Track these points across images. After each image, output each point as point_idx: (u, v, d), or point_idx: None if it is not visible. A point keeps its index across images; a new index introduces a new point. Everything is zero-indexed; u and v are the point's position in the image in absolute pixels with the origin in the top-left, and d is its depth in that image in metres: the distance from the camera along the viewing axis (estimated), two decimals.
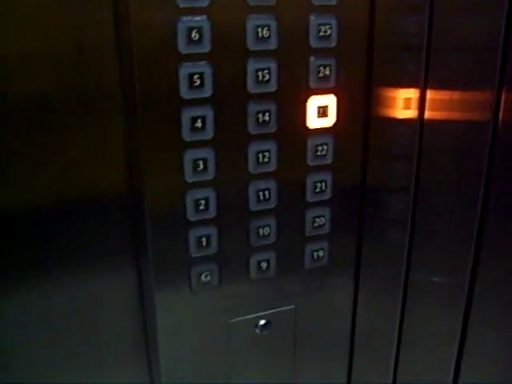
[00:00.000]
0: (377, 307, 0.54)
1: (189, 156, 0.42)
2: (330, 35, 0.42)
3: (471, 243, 0.51)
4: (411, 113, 0.46)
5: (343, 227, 0.49)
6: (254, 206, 0.45)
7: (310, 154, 0.45)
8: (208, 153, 0.42)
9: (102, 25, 0.38)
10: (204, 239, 0.44)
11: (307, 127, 0.44)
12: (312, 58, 0.42)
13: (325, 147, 0.45)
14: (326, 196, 0.47)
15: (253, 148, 0.43)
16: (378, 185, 0.49)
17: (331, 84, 0.43)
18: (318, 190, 0.46)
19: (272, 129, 0.43)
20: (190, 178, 0.42)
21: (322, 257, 0.49)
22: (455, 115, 0.47)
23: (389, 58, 0.45)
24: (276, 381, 0.53)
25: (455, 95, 0.46)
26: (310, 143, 0.45)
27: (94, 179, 0.42)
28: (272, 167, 0.44)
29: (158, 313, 0.46)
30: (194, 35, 0.38)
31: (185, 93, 0.40)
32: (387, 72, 0.45)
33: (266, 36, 0.40)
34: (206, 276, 0.46)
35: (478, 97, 0.46)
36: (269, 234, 0.46)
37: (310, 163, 0.45)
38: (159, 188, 0.42)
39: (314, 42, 0.42)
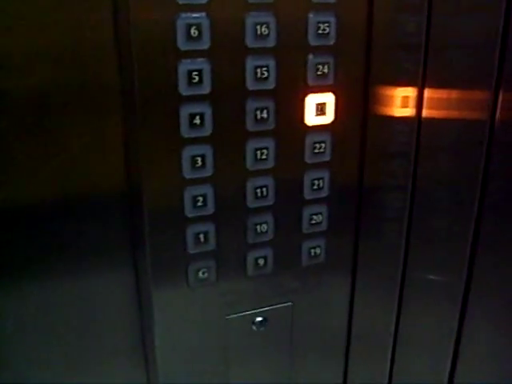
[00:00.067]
0: (373, 305, 0.54)
1: (187, 152, 0.42)
2: (328, 33, 0.42)
3: (468, 242, 0.51)
4: (409, 111, 0.47)
5: (340, 225, 0.49)
6: (251, 203, 0.45)
7: (307, 152, 0.45)
8: (206, 149, 0.42)
9: (101, 22, 0.38)
10: (202, 236, 0.44)
11: (305, 125, 0.44)
12: (310, 56, 0.42)
13: (323, 145, 0.45)
14: (324, 193, 0.47)
15: (251, 145, 0.43)
16: (375, 183, 0.49)
17: (329, 82, 0.44)
18: (315, 187, 0.46)
19: (270, 126, 0.43)
20: (188, 174, 0.42)
21: (319, 254, 0.49)
22: (453, 114, 0.47)
23: (387, 56, 0.45)
24: (273, 377, 0.53)
25: (453, 94, 0.47)
26: (308, 141, 0.45)
27: (92, 176, 0.42)
28: (270, 164, 0.44)
29: (155, 309, 0.46)
30: (193, 32, 0.38)
31: (183, 89, 0.40)
32: (385, 70, 0.45)
33: (264, 33, 0.40)
34: (203, 272, 0.46)
35: (475, 96, 0.47)
36: (266, 231, 0.46)
37: (308, 161, 0.46)
38: (157, 184, 0.42)
39: (312, 40, 0.42)
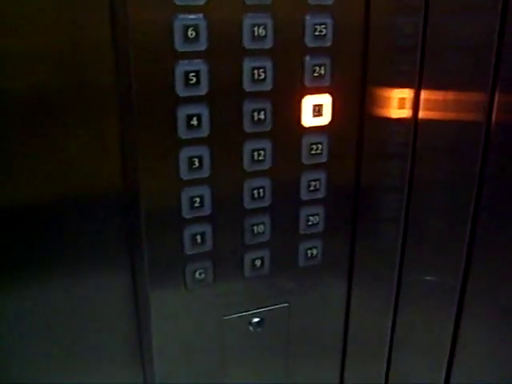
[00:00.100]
0: (370, 305, 0.54)
1: (184, 153, 0.42)
2: (325, 35, 0.42)
3: (464, 243, 0.51)
4: (405, 112, 0.47)
5: (337, 226, 0.49)
6: (248, 204, 0.45)
7: (304, 153, 0.45)
8: (203, 150, 0.42)
9: (99, 22, 0.38)
10: (199, 237, 0.44)
11: (302, 126, 0.44)
12: (307, 58, 0.42)
13: (319, 146, 0.45)
14: (321, 194, 0.47)
15: (248, 146, 0.43)
16: (371, 184, 0.49)
17: (326, 83, 0.44)
18: (312, 188, 0.46)
19: (267, 127, 0.43)
20: (185, 175, 0.42)
21: (316, 255, 0.49)
22: (449, 115, 0.47)
23: (384, 57, 0.45)
24: (269, 378, 0.53)
25: (449, 95, 0.47)
26: (305, 142, 0.45)
27: (89, 176, 0.42)
28: (267, 165, 0.44)
29: (152, 309, 0.46)
30: (191, 33, 0.38)
31: (181, 90, 0.40)
32: (382, 72, 0.45)
33: (262, 35, 0.40)
34: (200, 273, 0.46)
35: (471, 97, 0.47)
36: (263, 232, 0.47)
37: (305, 162, 0.46)
38: (154, 185, 0.42)
39: (309, 42, 0.42)
